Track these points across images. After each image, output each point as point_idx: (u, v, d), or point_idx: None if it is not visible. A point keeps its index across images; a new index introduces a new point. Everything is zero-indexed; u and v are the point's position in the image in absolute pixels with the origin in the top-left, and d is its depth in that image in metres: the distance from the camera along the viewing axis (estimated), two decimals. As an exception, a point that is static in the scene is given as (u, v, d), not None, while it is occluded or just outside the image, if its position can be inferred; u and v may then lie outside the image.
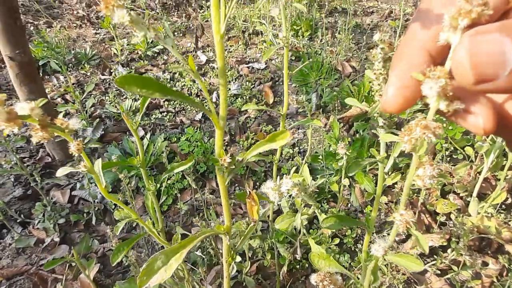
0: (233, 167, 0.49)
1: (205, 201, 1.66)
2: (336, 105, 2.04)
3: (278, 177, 0.76)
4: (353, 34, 2.91)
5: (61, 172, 0.56)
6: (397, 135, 0.62)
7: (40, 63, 2.62)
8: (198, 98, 2.44)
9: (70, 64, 2.85)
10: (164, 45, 0.40)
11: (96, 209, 1.55)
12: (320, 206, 1.47)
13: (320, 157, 1.56)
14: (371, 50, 2.66)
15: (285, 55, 0.78)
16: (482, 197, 1.35)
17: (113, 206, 1.58)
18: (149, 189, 0.93)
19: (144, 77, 0.41)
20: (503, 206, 1.25)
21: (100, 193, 1.66)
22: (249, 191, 0.62)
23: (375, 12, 3.56)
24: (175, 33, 3.38)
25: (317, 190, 1.50)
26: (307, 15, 3.18)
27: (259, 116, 2.24)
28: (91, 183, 1.68)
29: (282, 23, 0.76)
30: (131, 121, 0.86)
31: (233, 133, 2.13)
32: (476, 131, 0.27)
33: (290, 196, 0.80)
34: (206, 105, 2.31)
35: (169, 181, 1.71)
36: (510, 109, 0.28)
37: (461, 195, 1.33)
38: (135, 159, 0.90)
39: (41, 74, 2.71)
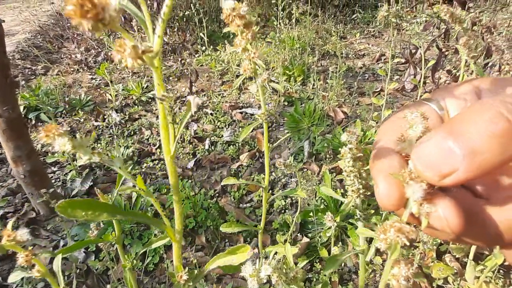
0: (191, 283, 0.45)
1: (194, 259, 1.60)
2: (329, 153, 2.02)
3: (257, 259, 0.71)
4: (344, 80, 2.94)
5: (13, 277, 0.52)
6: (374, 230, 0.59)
7: (30, 116, 2.64)
8: (190, 145, 2.43)
9: (64, 111, 2.87)
10: (112, 166, 0.38)
11: (77, 271, 1.48)
12: (311, 266, 1.40)
13: (311, 213, 1.51)
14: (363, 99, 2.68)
15: (265, 131, 0.76)
16: (479, 257, 1.29)
17: (97, 268, 1.51)
18: (125, 266, 0.88)
19: (89, 200, 0.38)
20: (501, 271, 1.19)
21: (83, 252, 1.60)
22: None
23: (367, 55, 3.64)
24: (170, 78, 3.43)
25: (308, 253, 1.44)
26: (299, 60, 3.24)
27: (251, 165, 2.21)
28: (75, 240, 1.62)
29: (261, 99, 0.75)
30: (107, 197, 0.82)
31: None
32: (443, 233, 0.29)
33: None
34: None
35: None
36: (492, 212, 0.29)
37: (457, 256, 1.27)
38: (110, 235, 0.86)
39: (34, 121, 2.72)
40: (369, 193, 0.54)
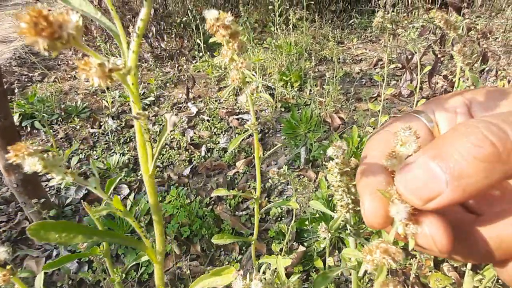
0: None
1: (188, 269, 1.57)
2: (325, 160, 2.01)
3: (248, 275, 0.70)
4: (341, 85, 2.94)
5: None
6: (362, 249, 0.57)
7: (25, 123, 2.62)
8: (187, 152, 2.41)
9: (60, 118, 2.85)
10: (87, 186, 0.36)
11: (70, 282, 1.45)
12: (308, 276, 1.38)
13: (307, 222, 1.49)
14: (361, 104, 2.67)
15: (255, 142, 0.74)
16: (477, 266, 1.27)
17: (89, 279, 1.49)
18: (113, 280, 0.86)
19: (63, 222, 0.37)
20: (499, 281, 1.17)
21: (76, 262, 1.57)
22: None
23: (364, 60, 3.64)
24: (167, 84, 3.42)
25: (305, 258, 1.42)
26: (296, 65, 3.24)
27: (248, 171, 2.19)
28: (68, 250, 1.60)
29: (250, 109, 0.73)
30: (93, 210, 0.81)
31: (220, 190, 2.07)
32: (432, 252, 0.28)
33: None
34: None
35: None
36: (484, 231, 0.28)
37: (455, 265, 1.25)
38: (98, 248, 0.84)
39: (29, 128, 2.70)
40: (358, 208, 0.52)
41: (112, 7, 0.28)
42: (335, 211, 0.54)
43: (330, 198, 1.66)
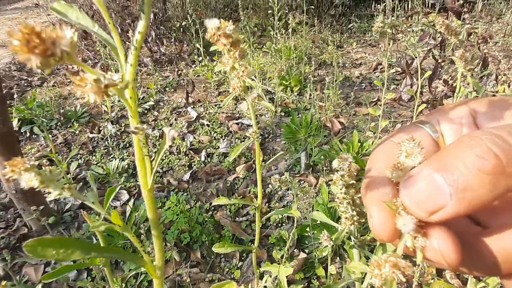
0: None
1: (189, 276, 1.56)
2: (326, 165, 2.00)
3: (250, 285, 0.69)
4: (341, 89, 2.93)
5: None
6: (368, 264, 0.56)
7: (24, 129, 2.62)
8: (186, 157, 2.40)
9: (59, 123, 2.84)
10: (85, 201, 0.35)
11: (69, 290, 1.44)
12: (309, 283, 1.37)
13: (308, 228, 1.48)
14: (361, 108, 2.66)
15: (257, 151, 0.73)
16: (481, 273, 1.26)
17: (89, 286, 1.47)
18: (113, 289, 0.85)
19: (60, 238, 0.36)
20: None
21: (75, 270, 1.56)
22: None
23: (363, 64, 3.63)
24: (167, 89, 3.41)
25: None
26: (296, 70, 3.24)
27: (248, 176, 2.18)
28: (67, 257, 1.58)
29: (252, 118, 0.72)
30: (91, 224, 0.79)
31: (220, 195, 2.06)
32: (440, 265, 0.28)
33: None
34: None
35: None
36: (491, 243, 0.28)
37: (458, 272, 1.24)
38: (97, 258, 0.83)
39: (28, 133, 2.69)
40: (363, 220, 0.51)
41: (109, 20, 0.27)
42: (339, 223, 0.53)
43: (331, 206, 1.65)
